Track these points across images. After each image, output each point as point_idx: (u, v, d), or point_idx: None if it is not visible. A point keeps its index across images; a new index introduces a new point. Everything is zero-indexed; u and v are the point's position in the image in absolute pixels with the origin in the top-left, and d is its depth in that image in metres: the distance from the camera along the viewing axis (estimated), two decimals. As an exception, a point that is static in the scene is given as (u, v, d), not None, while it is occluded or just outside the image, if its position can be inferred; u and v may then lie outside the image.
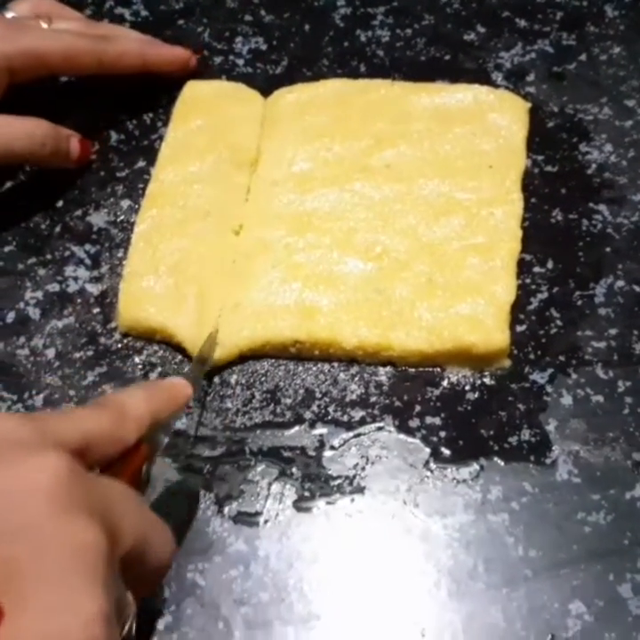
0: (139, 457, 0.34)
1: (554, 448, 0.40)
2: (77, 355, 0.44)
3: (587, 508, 0.39)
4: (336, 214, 0.46)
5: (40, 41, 0.48)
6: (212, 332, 0.43)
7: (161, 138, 0.51)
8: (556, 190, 0.48)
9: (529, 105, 0.51)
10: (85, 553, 0.26)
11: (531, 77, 0.53)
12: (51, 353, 0.44)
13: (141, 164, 0.51)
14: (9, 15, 0.51)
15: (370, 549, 0.38)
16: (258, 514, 0.39)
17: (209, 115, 0.50)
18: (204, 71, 0.54)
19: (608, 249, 0.46)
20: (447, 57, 0.54)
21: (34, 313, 0.46)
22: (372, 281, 0.44)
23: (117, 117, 0.53)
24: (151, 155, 0.50)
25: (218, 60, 0.55)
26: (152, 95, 0.53)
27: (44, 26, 0.50)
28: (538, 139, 0.50)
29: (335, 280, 0.44)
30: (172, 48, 0.53)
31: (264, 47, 0.55)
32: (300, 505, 0.39)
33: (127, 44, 0.51)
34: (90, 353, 0.44)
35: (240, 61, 0.55)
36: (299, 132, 0.49)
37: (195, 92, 0.52)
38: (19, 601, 0.25)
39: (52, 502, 0.27)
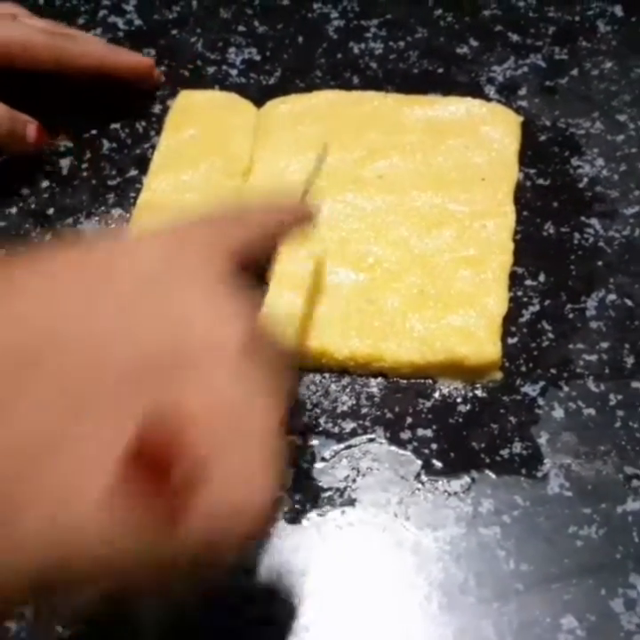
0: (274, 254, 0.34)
1: (545, 461, 0.40)
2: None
3: (578, 521, 0.39)
4: (328, 225, 0.46)
5: (1, 30, 0.48)
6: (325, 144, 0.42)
7: (153, 147, 0.51)
8: (548, 203, 0.49)
9: (521, 118, 0.51)
10: (271, 434, 0.26)
11: (523, 91, 0.53)
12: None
13: (133, 172, 0.51)
14: None
15: (360, 562, 0.38)
16: (247, 526, 0.39)
17: (202, 124, 0.50)
18: (197, 81, 0.54)
19: (600, 262, 0.46)
20: (440, 70, 0.55)
21: (23, 321, 0.45)
22: (364, 291, 0.44)
23: (110, 126, 0.52)
24: (143, 164, 0.50)
25: (211, 70, 0.55)
26: (145, 104, 0.53)
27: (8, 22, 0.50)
28: (530, 152, 0.50)
29: (327, 290, 0.44)
30: (135, 56, 0.53)
31: (257, 58, 0.55)
32: (290, 517, 0.39)
33: (89, 46, 0.51)
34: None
35: (233, 72, 0.55)
36: (291, 142, 0.49)
37: (188, 102, 0.52)
38: (205, 474, 0.24)
39: (243, 355, 0.26)
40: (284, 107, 0.51)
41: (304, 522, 0.39)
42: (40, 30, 0.50)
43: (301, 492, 0.40)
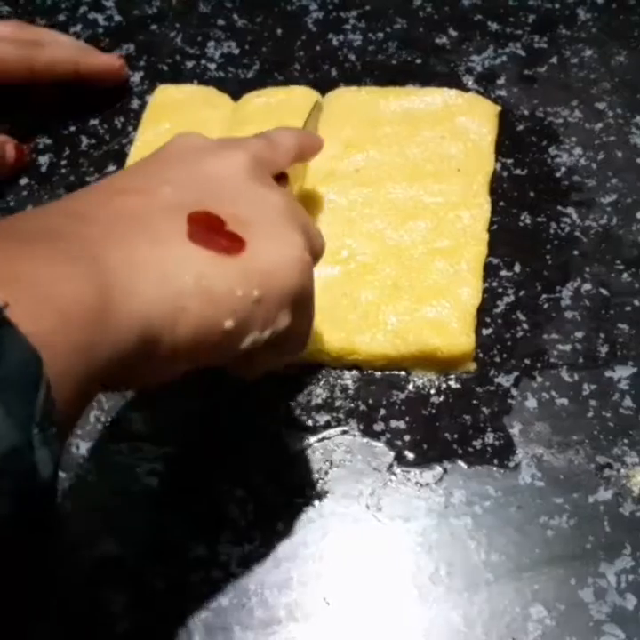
0: (283, 185, 0.39)
1: (517, 451, 0.40)
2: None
3: (549, 511, 0.39)
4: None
5: None
6: (317, 101, 0.49)
7: (131, 142, 0.51)
8: (525, 193, 0.48)
9: (499, 108, 0.51)
10: (285, 207, 0.34)
11: (501, 80, 0.53)
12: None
13: (112, 168, 0.51)
14: None
15: (331, 554, 0.38)
16: (219, 518, 0.39)
17: (178, 118, 0.50)
18: (176, 76, 0.54)
19: (575, 252, 0.46)
20: (419, 60, 0.55)
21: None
22: (339, 285, 0.44)
23: (88, 122, 0.53)
24: (121, 159, 0.50)
25: (190, 64, 0.55)
26: (123, 100, 0.53)
27: None
28: (507, 142, 0.50)
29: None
30: (106, 56, 0.53)
31: (236, 51, 0.55)
32: (263, 509, 0.39)
33: (60, 52, 0.50)
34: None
35: (212, 66, 0.55)
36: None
37: (165, 97, 0.52)
38: (251, 237, 0.32)
39: (250, 178, 0.35)
40: (259, 100, 0.51)
41: (277, 513, 0.39)
42: (8, 41, 0.49)
43: (274, 484, 0.40)
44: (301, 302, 0.34)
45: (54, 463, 0.24)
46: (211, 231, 0.31)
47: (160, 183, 0.33)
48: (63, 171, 0.51)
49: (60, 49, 0.51)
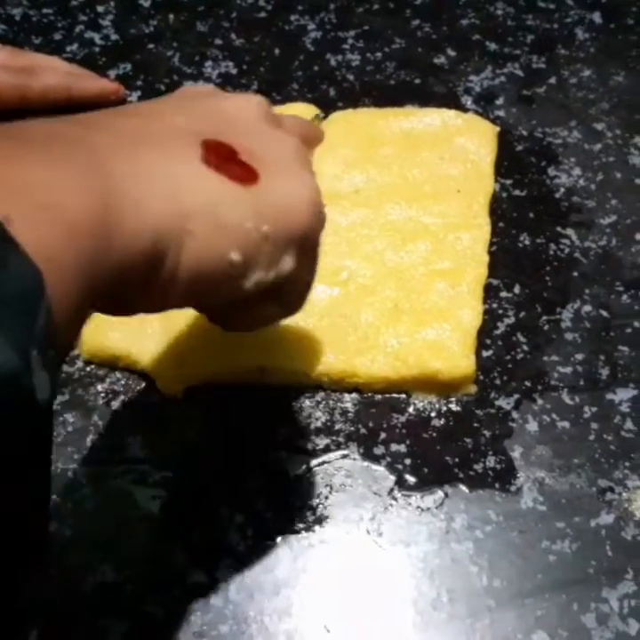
0: None
1: (519, 475, 0.40)
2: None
3: (551, 536, 0.38)
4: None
5: None
6: (317, 114, 0.49)
7: (129, 162, 0.51)
8: (524, 214, 0.48)
9: (497, 129, 0.51)
10: (298, 150, 0.33)
11: (500, 101, 0.53)
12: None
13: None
14: None
15: (332, 580, 0.38)
16: (219, 544, 0.39)
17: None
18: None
19: (575, 273, 0.46)
20: (417, 80, 0.55)
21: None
22: (338, 306, 0.44)
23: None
24: (119, 179, 0.50)
25: (188, 84, 0.55)
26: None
27: None
28: (506, 163, 0.50)
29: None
30: (100, 81, 0.53)
31: (234, 71, 0.55)
32: (262, 534, 0.39)
33: (52, 78, 0.50)
34: (53, 380, 0.44)
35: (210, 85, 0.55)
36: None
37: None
38: (264, 171, 0.31)
39: (265, 120, 0.34)
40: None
41: (277, 539, 0.39)
42: (1, 69, 0.48)
43: (274, 509, 0.40)
44: (308, 246, 0.33)
45: (52, 386, 0.23)
46: (224, 158, 0.30)
47: (174, 113, 0.32)
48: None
49: (53, 76, 0.50)
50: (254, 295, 0.32)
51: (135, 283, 0.27)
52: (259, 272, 0.31)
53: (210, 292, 0.30)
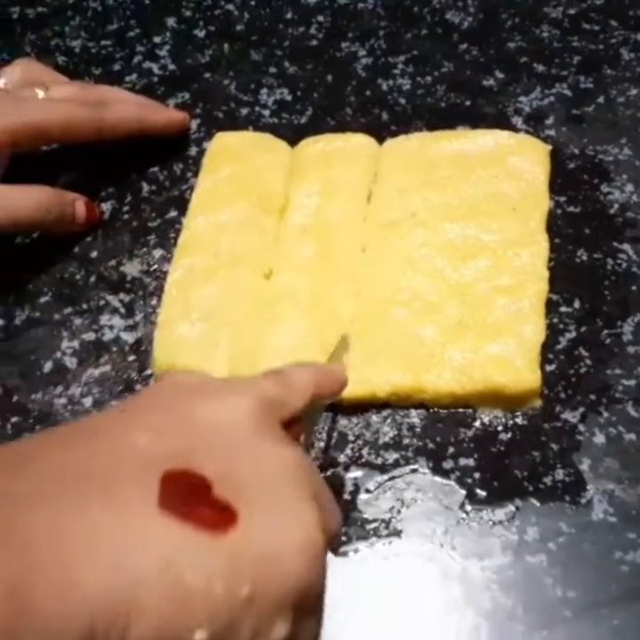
0: (296, 431, 0.34)
1: (588, 487, 0.41)
2: (114, 402, 0.45)
3: (623, 547, 0.39)
4: (365, 266, 0.47)
5: (41, 113, 0.48)
6: (344, 335, 0.44)
7: (191, 188, 0.52)
8: (580, 231, 0.49)
9: (549, 148, 0.52)
10: (295, 469, 0.28)
11: (550, 120, 0.54)
12: (88, 401, 0.45)
13: (173, 213, 0.52)
14: (1, 82, 0.51)
15: (407, 593, 0.39)
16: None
17: (237, 164, 0.51)
18: (231, 123, 0.56)
19: (634, 287, 0.47)
20: (467, 102, 0.56)
21: (70, 362, 0.47)
22: (404, 325, 0.45)
23: (149, 169, 0.54)
24: (182, 204, 0.52)
25: (244, 111, 0.56)
26: (182, 147, 0.55)
27: (41, 94, 0.51)
28: (559, 180, 0.51)
29: (367, 330, 0.45)
30: (168, 111, 0.54)
31: (289, 98, 0.57)
32: (337, 549, 0.40)
33: (125, 110, 0.51)
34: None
35: (266, 112, 0.56)
36: (324, 182, 0.50)
37: (223, 143, 0.53)
38: (245, 507, 0.26)
39: (255, 429, 0.29)
40: (317, 146, 0.52)
41: (350, 554, 0.40)
42: (76, 105, 0.50)
43: (347, 524, 0.40)
44: (307, 604, 0.27)
45: None
46: (191, 497, 0.25)
47: (138, 428, 0.27)
48: (126, 216, 0.52)
49: (124, 108, 0.52)
50: None
51: None
52: None
53: None
